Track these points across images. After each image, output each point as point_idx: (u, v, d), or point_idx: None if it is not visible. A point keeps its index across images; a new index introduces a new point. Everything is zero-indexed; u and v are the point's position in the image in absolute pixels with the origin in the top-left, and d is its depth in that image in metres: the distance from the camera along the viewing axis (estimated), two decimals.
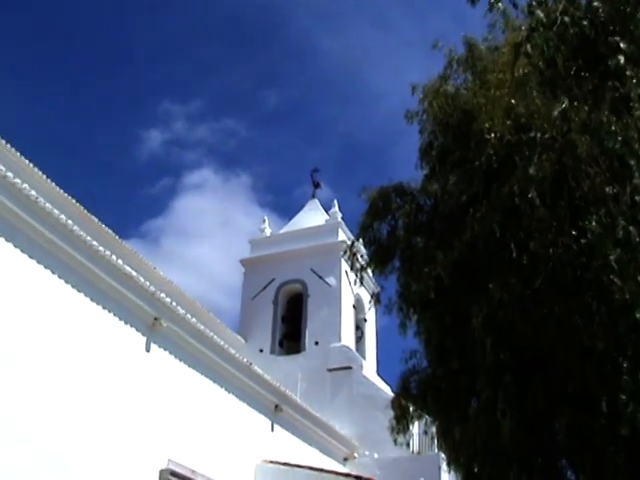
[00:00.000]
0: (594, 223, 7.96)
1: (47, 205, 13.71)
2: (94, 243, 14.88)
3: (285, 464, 21.30)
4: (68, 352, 14.25)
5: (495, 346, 8.25)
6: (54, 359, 13.90)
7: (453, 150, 9.95)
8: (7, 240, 13.16)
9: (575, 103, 8.12)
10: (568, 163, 8.20)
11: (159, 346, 17.05)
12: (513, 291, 8.17)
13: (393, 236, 10.57)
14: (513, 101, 9.16)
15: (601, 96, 7.85)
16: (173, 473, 16.62)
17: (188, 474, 17.16)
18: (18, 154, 17.20)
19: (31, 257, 13.66)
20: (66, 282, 14.44)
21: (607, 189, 8.04)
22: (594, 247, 7.76)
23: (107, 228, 19.97)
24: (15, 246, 13.33)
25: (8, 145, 16.84)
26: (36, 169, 17.83)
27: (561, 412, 8.17)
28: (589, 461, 8.35)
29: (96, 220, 19.50)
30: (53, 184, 18.36)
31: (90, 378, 14.70)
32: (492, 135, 9.02)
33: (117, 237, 20.36)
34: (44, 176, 18.10)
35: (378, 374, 31.88)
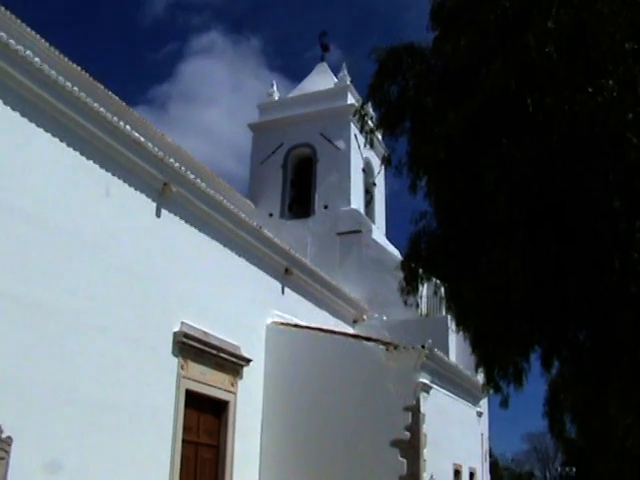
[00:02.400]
0: (611, 82, 7.77)
1: (52, 73, 13.47)
2: (101, 110, 14.69)
3: (295, 326, 21.72)
4: (79, 220, 14.29)
5: (508, 202, 8.19)
6: (66, 228, 13.95)
7: (465, 10, 9.62)
8: (14, 109, 13.01)
9: None
10: (587, 18, 7.92)
11: (169, 211, 17.10)
12: (527, 148, 8.04)
13: (403, 97, 10.33)
14: None
15: None
16: (186, 335, 16.96)
17: (201, 336, 17.52)
18: (20, 22, 16.80)
19: (38, 126, 13.53)
20: (74, 150, 14.35)
21: (627, 45, 7.80)
22: (612, 105, 7.59)
23: (114, 95, 19.70)
24: (22, 115, 13.18)
25: (10, 14, 16.42)
26: (39, 37, 17.45)
27: (573, 270, 8.18)
28: (599, 319, 8.42)
29: (102, 87, 19.23)
30: (57, 52, 18.01)
31: (102, 245, 14.82)
32: None
33: (124, 104, 20.11)
34: (47, 44, 17.72)
35: (387, 238, 32.08)
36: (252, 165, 32.72)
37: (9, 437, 12.21)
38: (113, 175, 15.37)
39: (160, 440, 16.07)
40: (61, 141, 14.03)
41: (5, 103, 12.85)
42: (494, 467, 43.03)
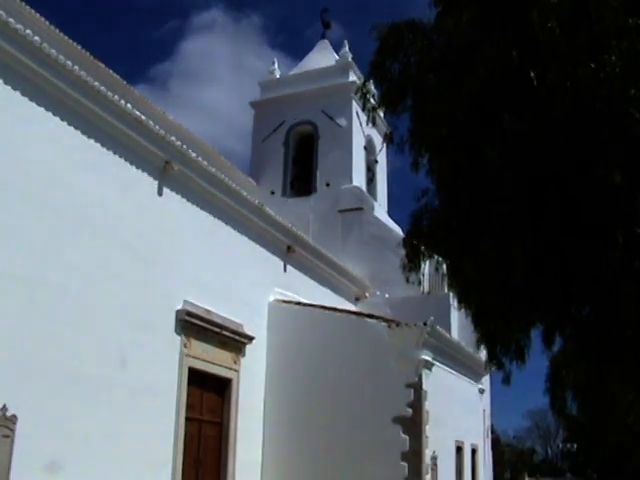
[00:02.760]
0: (614, 57, 7.73)
1: (53, 51, 13.41)
2: (102, 89, 14.64)
3: (297, 303, 21.76)
4: (80, 198, 14.28)
5: (510, 178, 8.17)
6: (68, 207, 13.94)
7: None
8: (14, 88, 12.96)
9: None
10: None
11: (171, 189, 17.09)
12: (529, 124, 8.01)
13: (405, 74, 10.27)
14: None
15: None
16: (189, 313, 17.00)
17: (203, 314, 17.56)
18: (19, 1, 16.72)
19: (39, 105, 13.50)
20: (75, 129, 14.32)
21: (630, 21, 7.75)
22: (614, 80, 7.55)
23: (114, 74, 19.62)
24: (23, 94, 13.14)
25: None
26: (39, 15, 17.36)
27: (576, 246, 8.18)
28: (601, 295, 8.42)
29: (103, 66, 19.14)
30: (57, 30, 17.91)
31: (103, 224, 14.82)
32: None
33: (125, 82, 20.03)
34: (47, 22, 17.63)
35: (389, 216, 32.08)
36: (254, 143, 32.69)
37: (14, 415, 12.28)
38: (114, 154, 15.34)
39: (163, 418, 16.14)
40: (62, 120, 13.99)
41: (5, 82, 12.80)
42: (496, 444, 43.22)
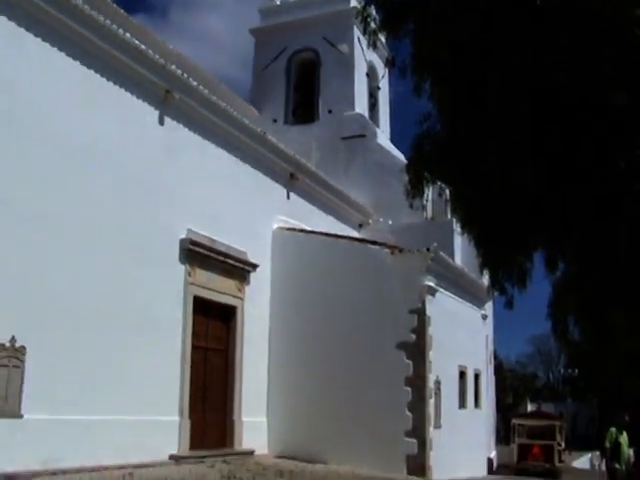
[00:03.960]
0: None
1: None
2: (100, 18, 14.48)
3: (301, 231, 21.83)
4: (81, 129, 14.24)
5: (512, 101, 8.09)
6: (69, 138, 13.93)
7: None
8: (9, 19, 12.83)
9: None
10: None
11: (172, 119, 17.00)
12: (532, 46, 7.90)
13: None
14: None
15: None
16: (193, 242, 17.08)
17: (207, 243, 17.64)
18: None
19: (36, 36, 13.40)
20: (74, 59, 14.22)
21: None
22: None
23: (112, 3, 19.31)
24: (19, 25, 13.01)
25: None
26: None
27: (578, 169, 8.14)
28: (604, 219, 8.41)
29: None
30: None
31: (105, 154, 14.81)
32: None
33: (123, 12, 19.72)
34: None
35: (392, 143, 31.92)
36: (255, 71, 32.37)
37: (23, 347, 12.47)
38: (114, 84, 15.24)
39: (170, 346, 16.38)
40: (60, 50, 13.89)
41: (8, 18, 12.74)
42: (498, 369, 43.76)
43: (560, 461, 33.08)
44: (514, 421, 36.06)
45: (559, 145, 8.12)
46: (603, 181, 8.05)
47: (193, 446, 16.76)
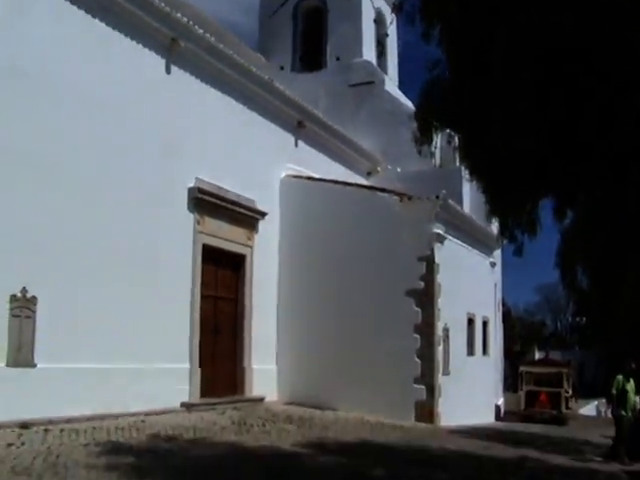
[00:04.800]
0: None
1: None
2: None
3: (309, 178, 21.76)
4: (90, 78, 14.17)
5: (521, 46, 7.99)
6: (78, 87, 13.88)
7: None
8: None
9: None
10: None
11: (179, 67, 16.87)
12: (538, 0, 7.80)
13: None
14: None
15: None
16: (201, 190, 17.05)
17: (216, 191, 17.62)
18: None
19: None
20: (79, 8, 14.09)
21: None
22: None
23: None
24: None
25: None
26: None
27: (588, 119, 8.07)
28: (615, 167, 8.37)
29: None
30: None
31: (112, 103, 14.73)
32: None
33: None
34: None
35: (400, 90, 31.62)
36: (261, 18, 32.02)
37: (34, 297, 12.56)
38: (120, 33, 15.11)
39: (180, 295, 16.47)
40: (65, 0, 13.76)
41: None
42: (507, 317, 43.80)
43: (567, 408, 33.33)
44: (522, 368, 36.25)
45: (571, 91, 8.04)
46: (612, 130, 7.99)
47: (204, 394, 16.94)
